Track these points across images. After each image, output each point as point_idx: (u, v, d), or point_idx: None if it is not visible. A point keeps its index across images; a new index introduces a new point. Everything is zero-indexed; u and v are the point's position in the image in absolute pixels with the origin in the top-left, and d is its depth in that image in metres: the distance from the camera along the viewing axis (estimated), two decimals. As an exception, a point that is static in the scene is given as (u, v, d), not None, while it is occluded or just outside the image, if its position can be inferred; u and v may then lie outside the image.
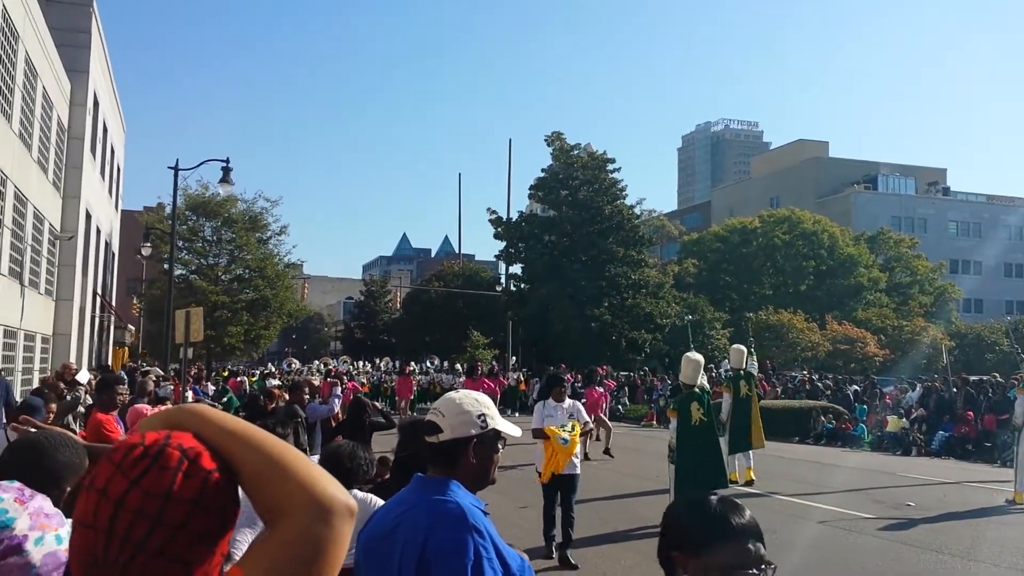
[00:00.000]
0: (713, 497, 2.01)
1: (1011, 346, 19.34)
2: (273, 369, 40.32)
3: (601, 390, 20.79)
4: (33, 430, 4.21)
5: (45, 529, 1.89)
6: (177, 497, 1.14)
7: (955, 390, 21.98)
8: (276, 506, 1.19)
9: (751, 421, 14.16)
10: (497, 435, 2.49)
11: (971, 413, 20.16)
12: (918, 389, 24.43)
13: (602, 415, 19.26)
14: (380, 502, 4.52)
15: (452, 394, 2.57)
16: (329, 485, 1.22)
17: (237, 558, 1.22)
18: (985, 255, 75.32)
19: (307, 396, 10.55)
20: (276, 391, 13.17)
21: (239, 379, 28.15)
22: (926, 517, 11.14)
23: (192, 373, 20.62)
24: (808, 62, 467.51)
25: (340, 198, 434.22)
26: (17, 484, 1.95)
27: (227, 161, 22.58)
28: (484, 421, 2.45)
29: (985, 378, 23.55)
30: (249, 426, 1.26)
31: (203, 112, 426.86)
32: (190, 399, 13.41)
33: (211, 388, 21.96)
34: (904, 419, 21.95)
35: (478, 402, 2.50)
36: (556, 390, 9.22)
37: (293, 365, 39.02)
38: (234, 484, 1.22)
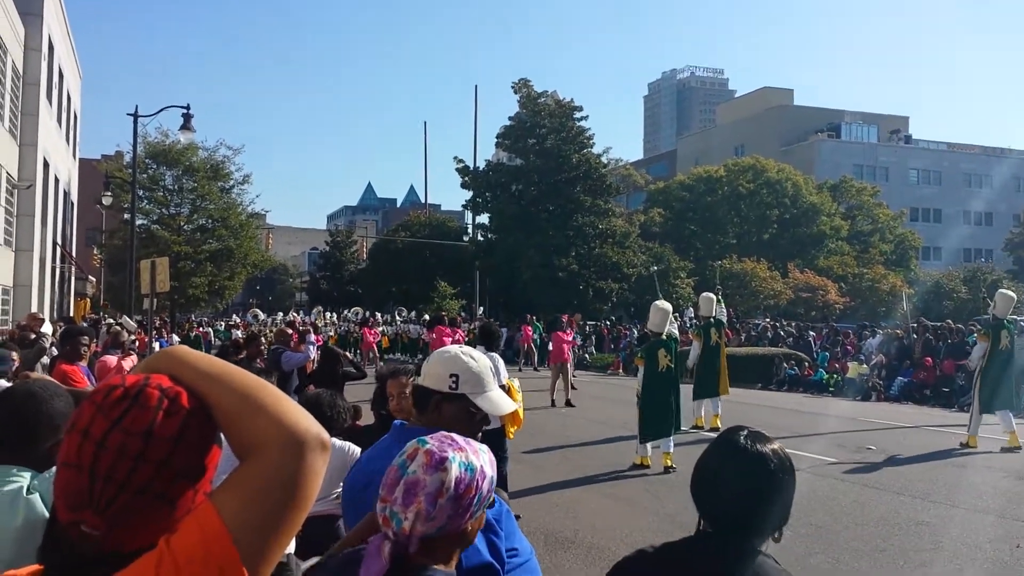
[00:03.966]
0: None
1: (972, 293, 19.70)
2: (238, 320, 40.08)
3: (568, 336, 20.21)
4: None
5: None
6: (158, 435, 1.16)
7: (915, 337, 22.45)
8: (250, 441, 1.20)
9: (720, 368, 14.39)
10: (466, 402, 2.39)
11: (930, 359, 20.62)
12: (878, 336, 24.90)
13: (568, 363, 18.98)
14: (357, 450, 4.54)
15: (451, 347, 2.54)
16: (302, 418, 1.23)
17: None
18: (945, 203, 76.46)
19: (266, 346, 10.42)
20: (243, 342, 13.11)
21: (204, 330, 27.90)
22: (887, 460, 11.47)
23: (156, 324, 20.42)
24: (772, 7, 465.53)
25: (304, 148, 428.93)
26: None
27: (188, 108, 22.15)
28: (456, 383, 2.38)
29: (942, 324, 24.02)
30: (225, 364, 1.28)
31: (163, 59, 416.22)
32: (157, 350, 13.28)
33: (176, 339, 21.77)
34: (864, 365, 22.41)
35: (459, 362, 2.42)
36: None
37: (258, 317, 38.81)
38: (214, 423, 1.23)
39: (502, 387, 8.19)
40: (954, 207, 76.67)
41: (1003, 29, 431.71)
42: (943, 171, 78.09)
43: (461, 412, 2.40)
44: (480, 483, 1.74)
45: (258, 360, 9.42)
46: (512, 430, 8.01)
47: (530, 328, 29.43)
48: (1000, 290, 14.14)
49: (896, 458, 11.62)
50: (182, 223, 41.15)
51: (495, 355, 8.54)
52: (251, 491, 1.17)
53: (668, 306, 11.54)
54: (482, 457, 1.79)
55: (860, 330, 27.34)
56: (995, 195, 77.77)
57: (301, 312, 42.62)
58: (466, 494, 1.71)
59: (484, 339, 8.99)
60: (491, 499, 1.82)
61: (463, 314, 37.78)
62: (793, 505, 1.98)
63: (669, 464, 10.54)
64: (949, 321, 24.62)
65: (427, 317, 34.85)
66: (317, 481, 1.22)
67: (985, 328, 12.98)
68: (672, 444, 10.78)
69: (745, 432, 2.02)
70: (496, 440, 8.10)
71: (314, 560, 2.08)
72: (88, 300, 36.28)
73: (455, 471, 1.71)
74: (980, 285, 40.40)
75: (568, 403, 17.80)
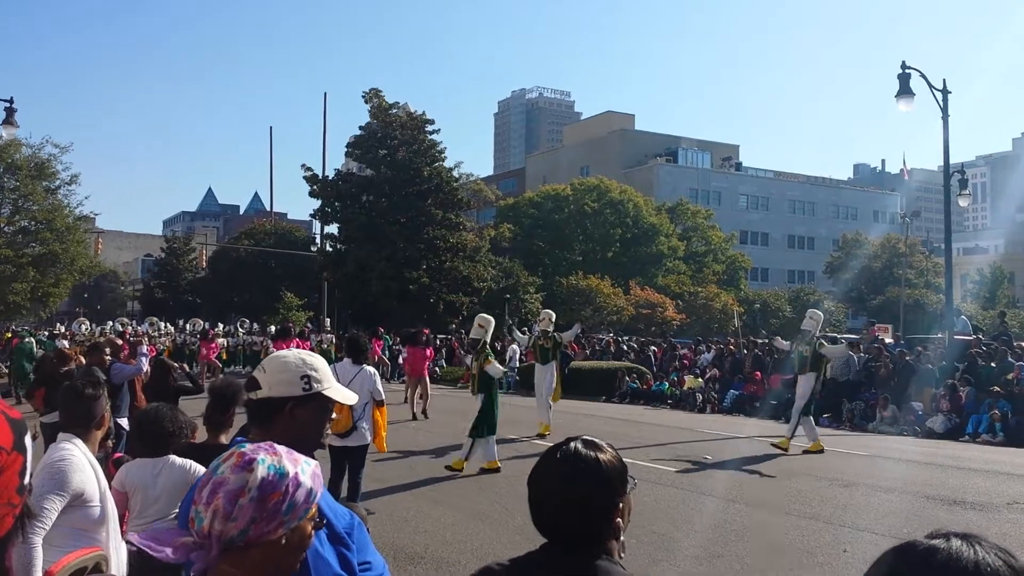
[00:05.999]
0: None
1: (796, 312, 21.05)
2: (63, 330, 37.50)
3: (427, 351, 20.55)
4: None
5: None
6: None
7: (745, 352, 23.75)
8: None
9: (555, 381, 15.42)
10: (322, 399, 2.38)
11: (759, 373, 21.86)
12: (712, 350, 26.17)
13: (425, 376, 19.22)
14: (200, 468, 4.32)
15: (282, 352, 2.48)
16: None
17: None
18: (772, 228, 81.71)
19: (108, 357, 9.88)
20: (70, 352, 12.25)
21: (26, 340, 25.81)
22: (722, 469, 12.04)
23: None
24: (615, 36, 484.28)
25: (139, 148, 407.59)
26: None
27: (11, 101, 21.11)
28: (308, 383, 2.35)
29: (769, 340, 25.51)
30: None
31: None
32: None
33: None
34: (699, 378, 23.48)
35: (305, 363, 2.38)
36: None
37: (83, 327, 36.43)
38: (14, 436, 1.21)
39: (380, 403, 8.15)
40: (780, 231, 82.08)
41: (822, 67, 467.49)
42: (770, 197, 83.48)
43: (315, 410, 2.37)
44: (290, 489, 1.70)
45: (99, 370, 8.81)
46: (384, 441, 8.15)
47: (380, 341, 29.07)
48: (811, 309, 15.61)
49: (730, 467, 12.22)
50: (2, 225, 38.54)
51: (373, 370, 8.39)
52: None
53: (490, 318, 12.58)
54: (302, 467, 1.75)
55: (696, 344, 28.64)
56: (817, 221, 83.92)
57: (134, 322, 40.31)
58: (271, 497, 1.66)
59: (352, 351, 8.48)
60: (311, 512, 1.76)
61: (310, 326, 36.92)
62: (634, 513, 1.99)
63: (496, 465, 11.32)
64: (778, 337, 26.18)
65: (272, 329, 33.81)
66: None
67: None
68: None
69: (577, 441, 1.98)
70: (362, 454, 8.04)
71: None
72: None
73: (261, 471, 1.67)
74: (803, 305, 43.34)
75: (424, 414, 18.00)
